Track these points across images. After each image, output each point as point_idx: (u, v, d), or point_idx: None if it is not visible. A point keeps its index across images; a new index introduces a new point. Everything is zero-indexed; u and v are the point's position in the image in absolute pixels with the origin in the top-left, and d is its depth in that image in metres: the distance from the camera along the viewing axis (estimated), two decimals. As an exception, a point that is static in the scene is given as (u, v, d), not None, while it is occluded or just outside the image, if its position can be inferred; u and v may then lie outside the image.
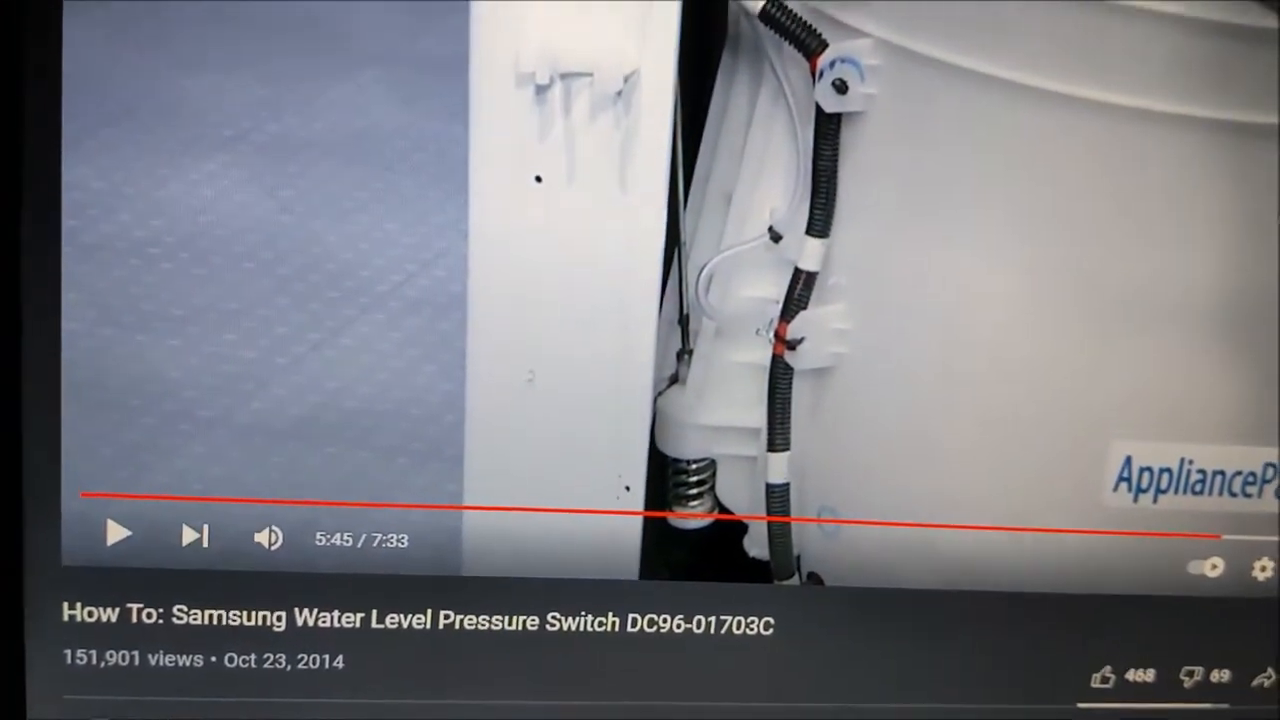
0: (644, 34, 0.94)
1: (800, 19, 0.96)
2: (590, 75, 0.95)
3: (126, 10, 0.94)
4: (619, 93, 0.95)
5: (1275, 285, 0.98)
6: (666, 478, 1.11)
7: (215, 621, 0.97)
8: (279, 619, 0.98)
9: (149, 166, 0.97)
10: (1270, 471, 1.03)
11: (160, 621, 0.96)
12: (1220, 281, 0.98)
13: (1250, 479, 1.03)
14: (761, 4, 0.96)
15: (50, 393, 0.93)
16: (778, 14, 0.96)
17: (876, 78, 0.96)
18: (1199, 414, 1.02)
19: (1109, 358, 0.99)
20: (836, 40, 0.97)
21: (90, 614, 0.96)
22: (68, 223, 0.93)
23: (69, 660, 0.96)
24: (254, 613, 0.97)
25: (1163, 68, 0.92)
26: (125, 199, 0.96)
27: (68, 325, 0.93)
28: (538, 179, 0.97)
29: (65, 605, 0.95)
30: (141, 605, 0.96)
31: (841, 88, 0.96)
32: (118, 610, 0.96)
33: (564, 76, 0.95)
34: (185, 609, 0.97)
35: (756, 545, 1.12)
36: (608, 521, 1.01)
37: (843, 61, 0.96)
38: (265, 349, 0.98)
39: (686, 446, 1.10)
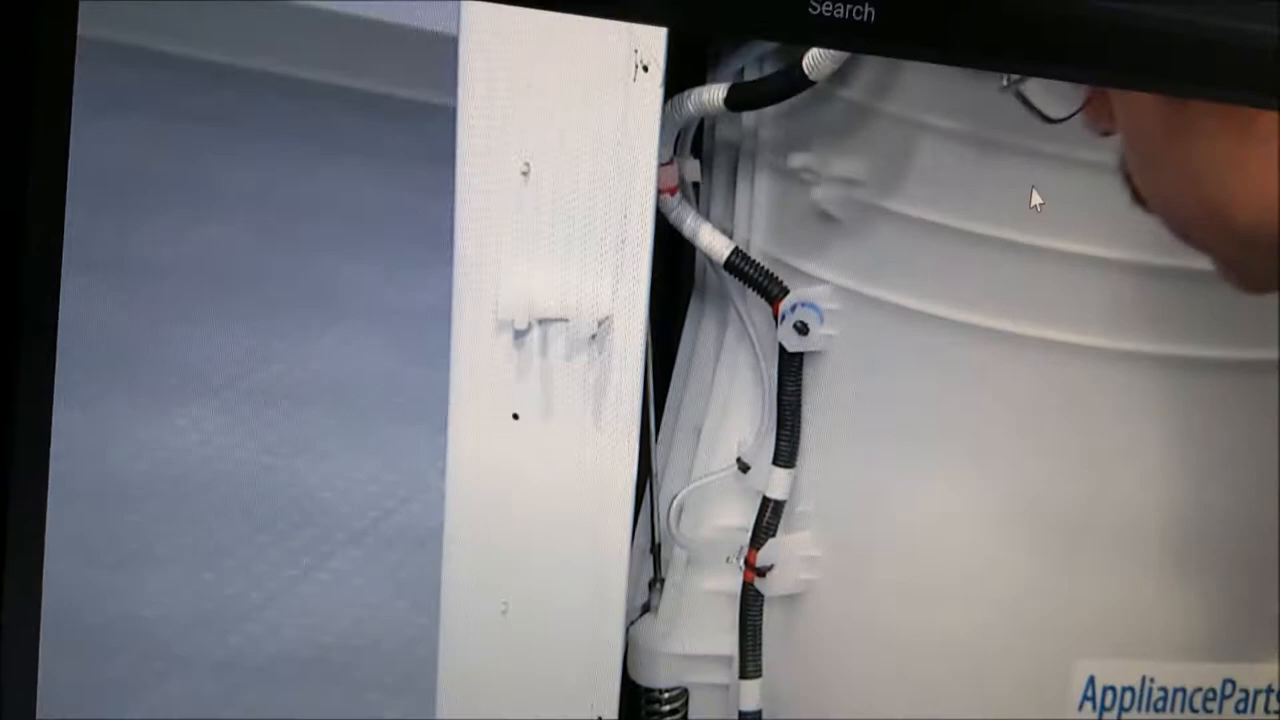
0: (616, 282, 0.98)
1: (762, 268, 1.01)
2: (566, 321, 0.98)
3: (123, 267, 0.98)
4: (593, 336, 0.98)
5: (1222, 507, 1.00)
6: (639, 707, 1.11)
7: None
8: None
9: (136, 412, 0.99)
10: (1229, 687, 1.04)
11: None
12: (1168, 504, 1.01)
13: (1210, 695, 1.04)
14: (726, 255, 1.01)
15: (29, 632, 0.94)
16: (741, 263, 1.02)
17: (835, 320, 1.00)
18: (1157, 632, 1.03)
19: (1068, 579, 1.02)
20: (797, 286, 1.02)
21: None
22: (54, 465, 0.95)
23: None
24: None
25: (1113, 307, 0.96)
26: (112, 442, 0.99)
27: (50, 565, 0.95)
28: (515, 417, 1.00)
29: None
30: None
31: (803, 329, 1.00)
32: None
33: (541, 322, 0.99)
34: None
35: (733, 774, 1.12)
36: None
37: (803, 305, 1.00)
38: (243, 586, 1.00)
39: (659, 675, 1.11)
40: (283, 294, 0.99)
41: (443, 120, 0.96)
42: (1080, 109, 0.71)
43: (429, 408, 1.01)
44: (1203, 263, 0.67)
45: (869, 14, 0.45)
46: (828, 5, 0.45)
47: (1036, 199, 0.93)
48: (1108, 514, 1.01)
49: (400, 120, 2.48)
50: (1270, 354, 0.96)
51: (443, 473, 1.00)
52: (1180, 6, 0.46)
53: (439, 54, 1.01)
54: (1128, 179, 0.69)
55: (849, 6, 0.45)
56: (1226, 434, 1.00)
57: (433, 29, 2.33)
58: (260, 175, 1.95)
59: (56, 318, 0.79)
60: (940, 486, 1.02)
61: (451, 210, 0.97)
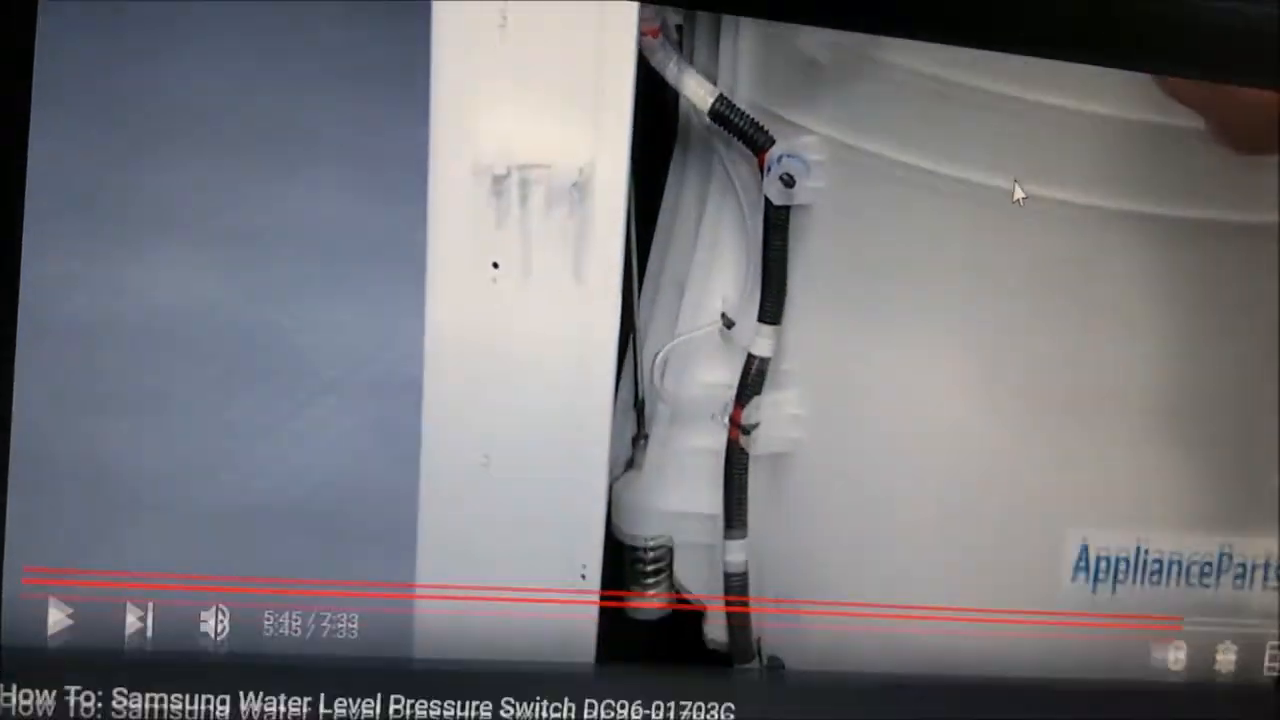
0: (598, 129, 0.95)
1: (748, 116, 0.98)
2: (547, 167, 0.96)
3: (90, 101, 0.95)
4: (574, 184, 0.96)
5: (1225, 375, 0.99)
6: (624, 564, 1.11)
7: (157, 707, 0.97)
8: (223, 705, 0.98)
9: (106, 250, 0.97)
10: (1225, 561, 1.03)
11: (100, 706, 0.96)
12: (1165, 371, 0.99)
13: (1207, 567, 1.03)
14: (711, 102, 0.98)
15: (-2, 473, 0.93)
16: (726, 111, 0.98)
17: (822, 172, 0.98)
18: (1153, 502, 1.02)
19: (1061, 447, 1.00)
20: (783, 136, 0.98)
21: (27, 697, 0.96)
22: (23, 303, 0.94)
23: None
24: (198, 697, 0.97)
25: (1106, 166, 0.93)
26: (82, 282, 0.97)
27: (18, 407, 0.93)
28: (495, 265, 0.98)
29: (1, 689, 0.95)
30: (80, 688, 0.96)
31: (789, 182, 0.98)
32: (55, 694, 0.96)
33: (521, 168, 0.96)
34: (126, 693, 0.96)
35: (716, 631, 1.12)
36: (564, 607, 1.01)
37: (789, 157, 0.97)
38: (216, 434, 0.99)
39: (644, 531, 1.10)
40: (254, 133, 0.97)
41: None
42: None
43: (405, 254, 0.98)
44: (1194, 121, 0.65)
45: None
46: None
47: None
48: (1101, 380, 1.00)
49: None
50: (1257, 217, 0.94)
51: (421, 320, 0.98)
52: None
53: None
54: None
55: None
56: (1226, 299, 0.98)
57: None
58: (237, 11, 1.91)
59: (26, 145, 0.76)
60: (928, 347, 1.00)
61: (427, 55, 0.95)
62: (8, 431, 0.93)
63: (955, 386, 1.00)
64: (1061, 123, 0.93)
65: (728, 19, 0.99)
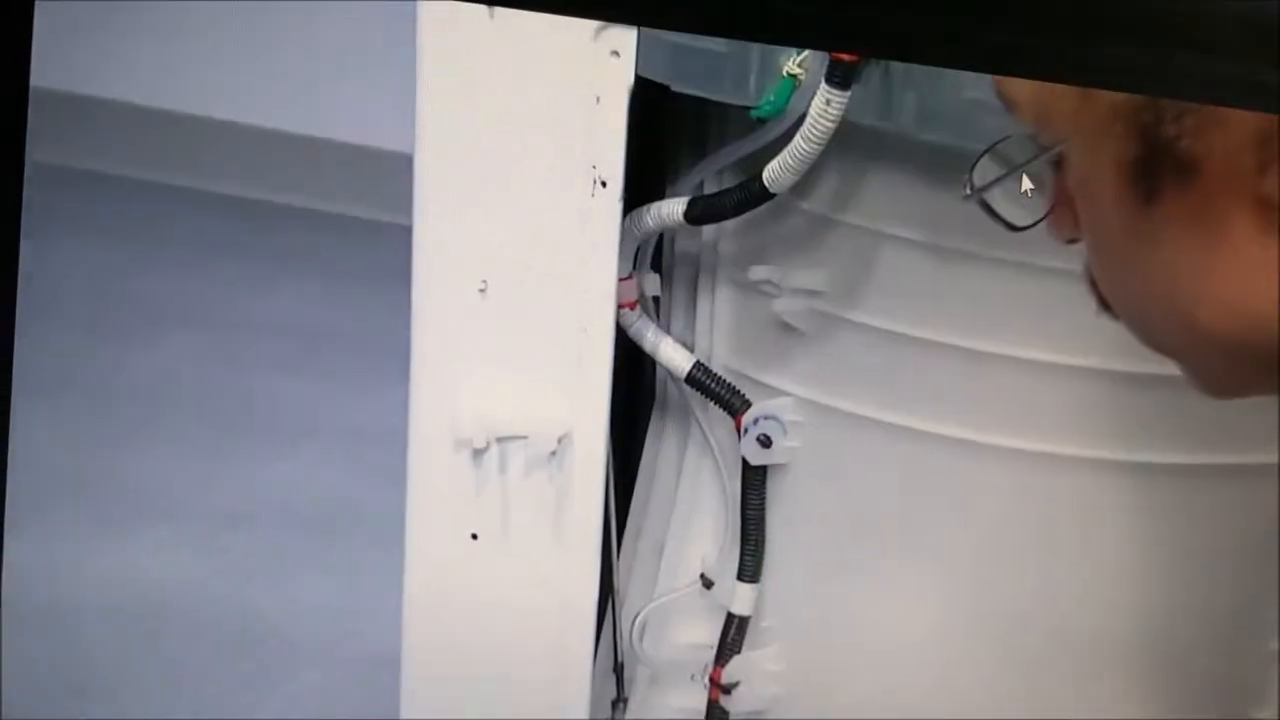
0: (576, 398, 0.97)
1: (724, 381, 1.00)
2: (525, 438, 0.97)
3: (73, 390, 0.96)
4: (553, 453, 0.97)
5: (1194, 614, 0.99)
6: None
7: None
8: None
9: (88, 538, 0.98)
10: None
11: None
12: (1139, 611, 1.00)
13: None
14: (688, 369, 1.00)
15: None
16: (703, 377, 1.00)
17: (799, 432, 0.99)
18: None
19: (1038, 689, 1.00)
20: (759, 399, 1.01)
21: None
22: (5, 592, 0.93)
23: None
24: None
25: (1083, 415, 0.95)
26: (64, 569, 0.97)
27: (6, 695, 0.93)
28: (474, 536, 0.98)
29: None
30: None
31: (766, 442, 0.99)
32: None
33: (500, 440, 0.97)
34: None
35: None
36: None
37: (766, 418, 0.99)
38: (199, 712, 0.98)
39: (626, 797, 1.09)
40: (236, 416, 0.98)
41: (396, 238, 0.95)
42: (1044, 216, 0.71)
43: (386, 529, 0.99)
44: (1170, 368, 0.66)
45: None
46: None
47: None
48: (1077, 622, 1.00)
49: (353, 239, 2.47)
50: (1238, 458, 0.96)
51: (401, 594, 0.99)
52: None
53: (392, 172, 1.00)
54: (1093, 285, 0.68)
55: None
56: (1197, 540, 1.00)
57: (386, 147, 2.33)
58: (212, 295, 1.95)
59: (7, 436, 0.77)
60: (907, 599, 1.01)
61: (407, 328, 0.96)
62: None
63: (934, 638, 1.00)
64: (1037, 374, 0.95)
65: (704, 291, 1.01)
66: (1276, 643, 1.01)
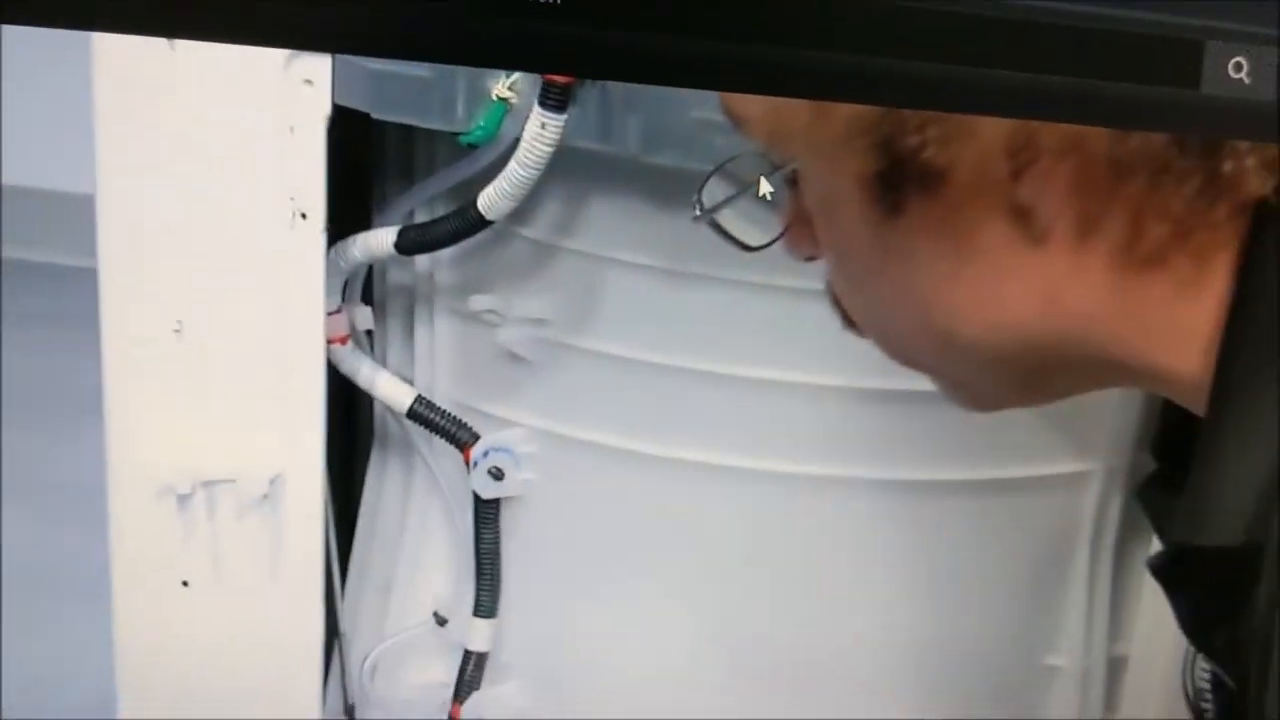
0: (288, 438, 0.92)
1: (449, 414, 0.97)
2: (233, 481, 0.92)
3: None
4: (264, 495, 0.93)
5: (959, 627, 0.99)
6: None
7: None
8: None
9: None
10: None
11: None
12: (893, 630, 1.00)
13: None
14: (408, 403, 0.95)
15: None
16: (425, 411, 0.97)
17: (532, 463, 0.96)
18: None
19: (795, 712, 0.99)
20: (489, 431, 0.97)
21: None
22: None
23: None
24: None
25: (816, 434, 0.94)
26: None
27: None
28: (184, 584, 0.94)
29: None
30: None
31: (498, 475, 0.96)
32: None
33: (206, 484, 0.92)
34: None
35: None
36: None
37: (496, 450, 0.95)
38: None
39: (364, 842, 1.05)
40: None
41: (85, 282, 0.89)
42: (780, 235, 0.68)
43: (92, 582, 0.93)
44: (923, 383, 0.65)
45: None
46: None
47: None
48: (837, 643, 0.99)
49: (38, 284, 2.37)
50: (998, 473, 0.96)
51: (109, 648, 0.93)
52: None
53: (76, 215, 0.94)
54: (837, 303, 0.66)
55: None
56: (963, 556, 0.99)
57: (68, 190, 2.22)
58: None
59: None
60: (651, 626, 0.99)
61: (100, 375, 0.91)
62: None
63: (682, 665, 0.98)
64: (780, 395, 0.93)
65: (421, 322, 0.97)
66: (1054, 659, 1.02)
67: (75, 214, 0.93)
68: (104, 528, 0.93)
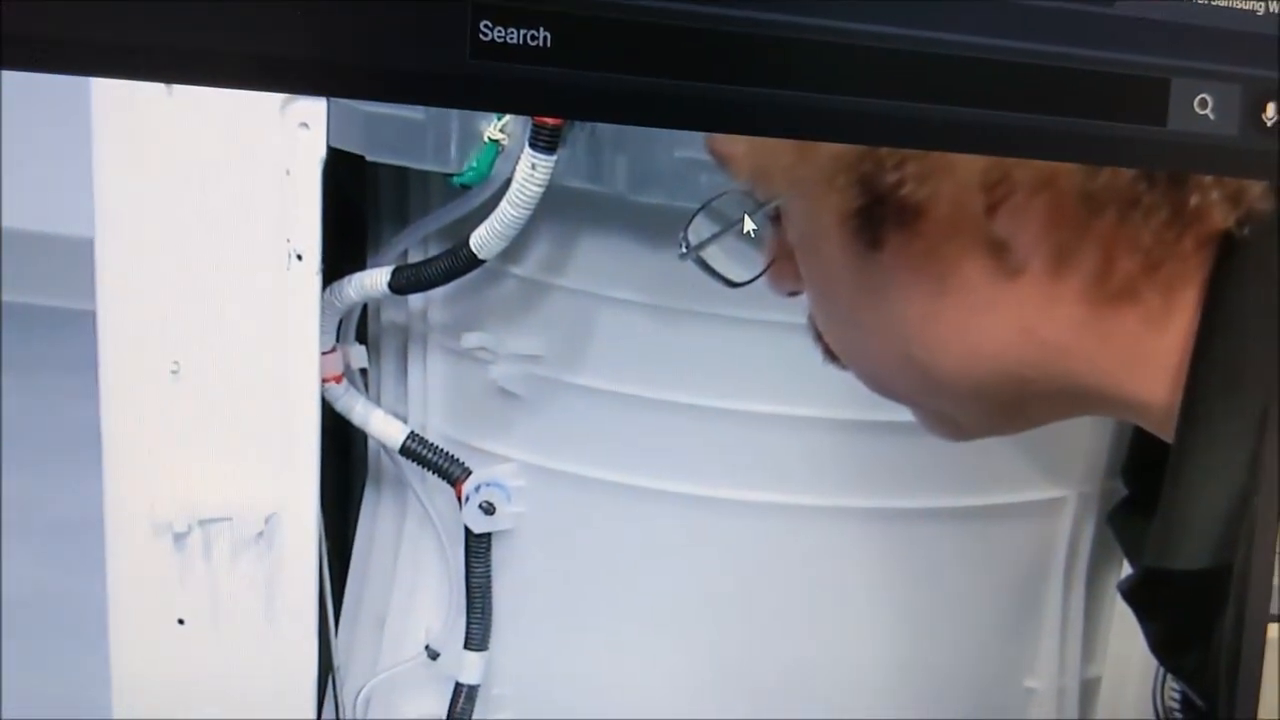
0: (283, 476, 0.94)
1: (442, 450, 0.98)
2: (229, 520, 0.93)
3: None
4: (260, 534, 0.94)
5: (943, 652, 1.00)
6: None
7: None
8: None
9: None
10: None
11: None
12: (885, 658, 1.01)
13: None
14: (402, 440, 0.97)
15: None
16: (418, 448, 0.98)
17: (523, 497, 0.97)
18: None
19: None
20: (480, 466, 0.98)
21: None
22: None
23: None
24: None
25: (802, 464, 0.95)
26: None
27: None
28: (180, 622, 0.94)
29: None
30: None
31: (489, 509, 0.97)
32: None
33: (202, 523, 0.93)
34: None
35: None
36: None
37: (488, 485, 0.97)
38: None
39: None
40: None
41: (84, 326, 0.91)
42: (764, 271, 0.70)
43: (89, 622, 0.94)
44: (903, 414, 0.66)
45: (544, 39, 0.43)
46: (499, 31, 0.42)
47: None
48: (827, 671, 1.00)
49: (37, 328, 2.38)
50: (979, 500, 0.97)
51: (107, 686, 0.94)
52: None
53: (75, 258, 0.96)
54: (819, 336, 0.68)
55: (522, 32, 0.42)
56: (945, 582, 1.01)
57: (69, 234, 2.23)
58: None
59: None
60: (644, 657, 1.00)
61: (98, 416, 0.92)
62: None
63: (669, 695, 0.99)
64: (766, 427, 0.95)
65: (414, 360, 0.98)
66: (1031, 681, 1.03)
67: (75, 257, 0.94)
68: (102, 566, 0.94)
